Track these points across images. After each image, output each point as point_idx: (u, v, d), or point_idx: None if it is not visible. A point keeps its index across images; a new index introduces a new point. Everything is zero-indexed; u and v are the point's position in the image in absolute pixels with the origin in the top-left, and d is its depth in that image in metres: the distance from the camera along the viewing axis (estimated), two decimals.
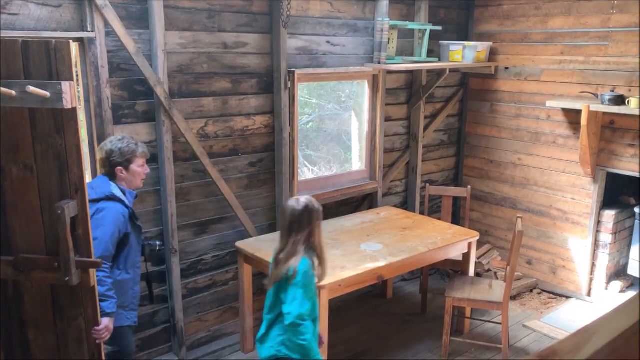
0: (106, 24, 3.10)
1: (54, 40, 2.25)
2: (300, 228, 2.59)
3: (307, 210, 2.61)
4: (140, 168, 2.91)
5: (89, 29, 3.06)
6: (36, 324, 2.56)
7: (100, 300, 2.61)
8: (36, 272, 2.44)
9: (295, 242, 2.58)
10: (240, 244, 3.81)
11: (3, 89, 2.18)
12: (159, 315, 3.77)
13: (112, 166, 2.84)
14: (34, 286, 2.50)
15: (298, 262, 2.54)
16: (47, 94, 2.20)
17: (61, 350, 2.59)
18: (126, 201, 2.82)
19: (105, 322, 2.60)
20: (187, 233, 3.79)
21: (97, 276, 2.58)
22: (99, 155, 2.90)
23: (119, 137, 2.91)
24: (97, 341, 2.51)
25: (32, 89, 2.16)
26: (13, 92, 2.20)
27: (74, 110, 2.29)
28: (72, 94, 2.26)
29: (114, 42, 3.20)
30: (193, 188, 3.75)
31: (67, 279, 2.39)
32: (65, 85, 2.21)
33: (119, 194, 2.81)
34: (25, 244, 2.43)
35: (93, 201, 2.70)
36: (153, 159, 3.53)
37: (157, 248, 3.20)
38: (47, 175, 2.36)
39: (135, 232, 2.90)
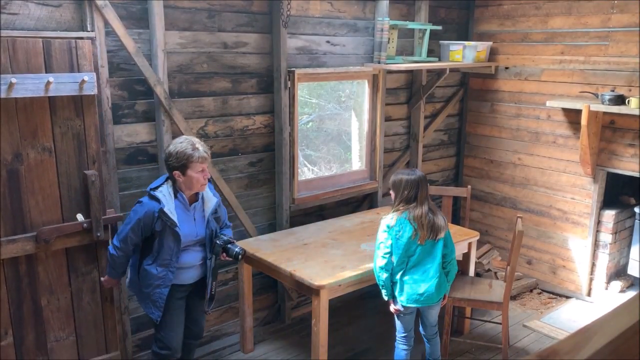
0: (106, 23, 3.10)
1: (74, 40, 2.70)
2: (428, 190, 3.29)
3: None
4: (197, 174, 2.84)
5: (88, 29, 3.05)
6: (50, 290, 2.85)
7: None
8: (59, 240, 2.79)
9: (431, 201, 3.30)
10: (240, 243, 3.80)
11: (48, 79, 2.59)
12: None
13: (169, 169, 2.84)
14: (48, 256, 2.81)
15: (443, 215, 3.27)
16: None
17: (75, 306, 2.95)
18: (165, 203, 2.80)
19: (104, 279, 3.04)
20: None
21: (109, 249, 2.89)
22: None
23: (181, 140, 2.85)
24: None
25: None
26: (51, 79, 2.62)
27: (93, 96, 2.78)
28: (97, 82, 2.80)
29: (113, 42, 3.20)
30: None
31: (98, 234, 2.86)
32: (95, 76, 2.77)
33: (160, 194, 2.82)
34: (42, 218, 2.75)
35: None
36: (153, 159, 3.53)
37: (240, 256, 3.04)
38: (65, 153, 2.76)
39: (172, 236, 2.84)
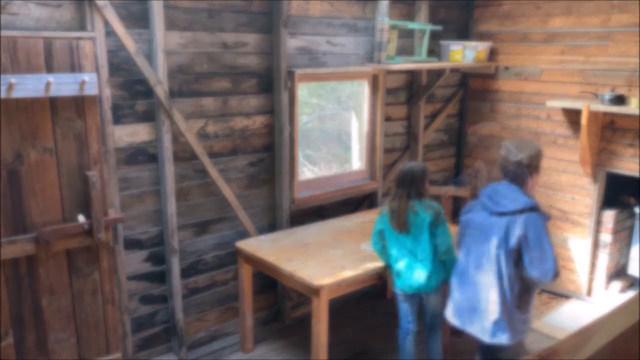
0: (106, 23, 3.10)
1: (75, 40, 2.68)
2: None
3: None
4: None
5: (89, 29, 3.06)
6: (51, 291, 2.84)
7: None
8: (60, 241, 2.77)
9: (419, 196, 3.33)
10: (240, 244, 3.81)
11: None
12: (159, 315, 3.77)
13: (530, 173, 2.65)
14: (49, 257, 2.80)
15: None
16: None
17: (76, 307, 2.94)
18: None
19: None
20: (187, 233, 3.79)
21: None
22: (513, 160, 2.69)
23: (528, 142, 2.70)
24: None
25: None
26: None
27: (95, 96, 2.77)
28: (97, 83, 2.81)
29: (114, 42, 3.20)
30: (193, 188, 3.75)
31: (99, 235, 2.82)
32: (97, 76, 2.78)
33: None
34: (42, 219, 2.74)
35: (511, 213, 2.61)
36: (153, 159, 3.53)
37: None
38: (66, 154, 2.76)
39: None
